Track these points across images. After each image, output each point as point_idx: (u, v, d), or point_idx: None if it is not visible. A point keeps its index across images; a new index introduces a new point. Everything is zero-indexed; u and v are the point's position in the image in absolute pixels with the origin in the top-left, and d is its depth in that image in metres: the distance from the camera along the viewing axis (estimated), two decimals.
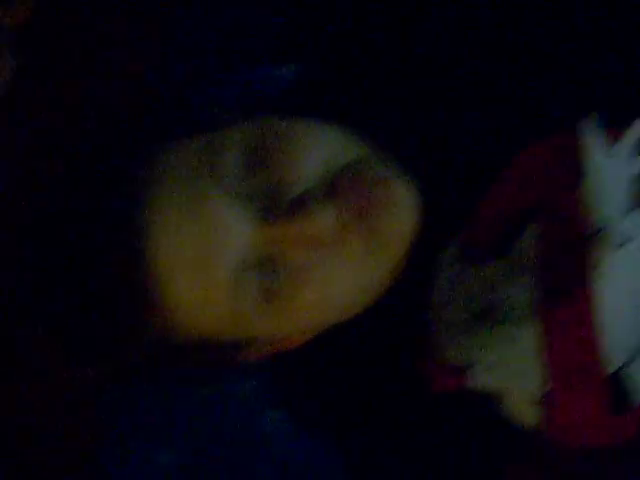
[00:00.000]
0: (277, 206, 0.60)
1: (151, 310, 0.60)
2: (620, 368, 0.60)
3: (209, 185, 0.60)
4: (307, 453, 0.76)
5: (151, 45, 0.82)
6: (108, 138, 0.66)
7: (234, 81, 0.82)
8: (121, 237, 0.59)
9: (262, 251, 0.60)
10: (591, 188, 0.61)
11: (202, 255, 0.59)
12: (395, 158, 0.65)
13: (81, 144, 0.67)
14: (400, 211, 0.62)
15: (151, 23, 0.83)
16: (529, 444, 0.66)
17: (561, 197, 0.62)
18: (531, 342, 0.58)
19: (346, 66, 0.77)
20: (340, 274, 0.62)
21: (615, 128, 0.63)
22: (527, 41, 0.68)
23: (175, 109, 0.78)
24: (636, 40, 0.67)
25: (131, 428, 0.77)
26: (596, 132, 0.63)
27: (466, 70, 0.70)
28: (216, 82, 0.83)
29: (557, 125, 0.64)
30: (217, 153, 0.61)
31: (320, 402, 0.76)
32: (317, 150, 0.62)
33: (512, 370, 0.60)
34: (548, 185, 0.63)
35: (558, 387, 0.59)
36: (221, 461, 0.76)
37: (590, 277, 0.59)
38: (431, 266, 0.66)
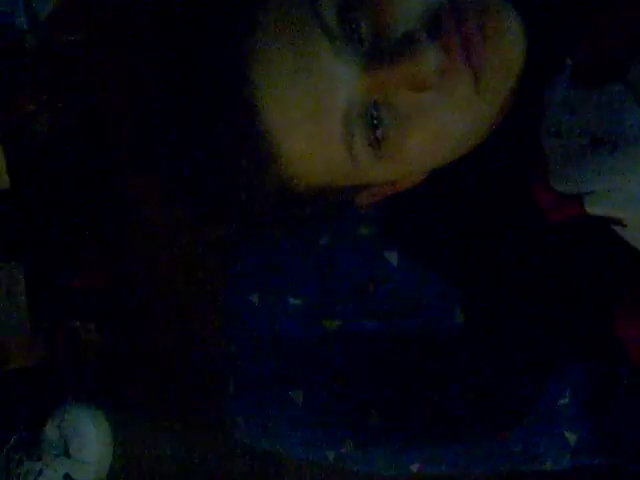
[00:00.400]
0: (381, 50, 0.60)
1: (268, 163, 0.62)
2: None
3: (312, 34, 0.59)
4: (422, 289, 0.78)
5: None
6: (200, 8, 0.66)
7: None
8: (232, 95, 0.60)
9: (369, 97, 0.60)
10: None
11: (311, 105, 0.60)
12: None
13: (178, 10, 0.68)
14: (508, 42, 0.60)
15: None
16: None
17: None
18: None
19: None
20: (448, 116, 0.61)
21: None
22: None
23: None
24: None
25: (260, 278, 0.81)
26: None
27: None
28: None
29: None
30: (317, 1, 0.60)
31: (434, 239, 0.78)
32: None
33: (630, 196, 0.59)
34: None
35: None
36: (343, 301, 0.80)
37: None
38: (544, 92, 0.65)
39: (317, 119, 0.60)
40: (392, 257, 0.78)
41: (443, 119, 0.62)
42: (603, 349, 0.73)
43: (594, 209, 0.61)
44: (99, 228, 0.98)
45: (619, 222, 0.62)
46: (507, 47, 0.60)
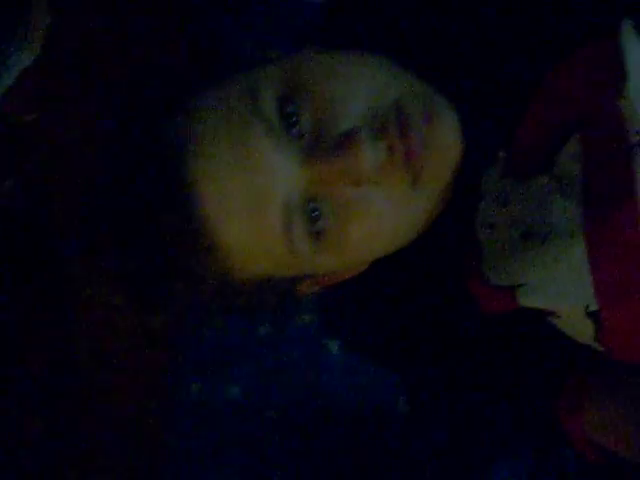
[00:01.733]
0: (321, 143, 0.60)
1: (207, 255, 0.62)
2: None
3: (251, 127, 0.60)
4: (364, 379, 0.78)
5: None
6: (147, 90, 0.67)
7: (266, 12, 0.81)
8: (172, 187, 0.60)
9: (309, 189, 0.61)
10: (633, 93, 0.59)
11: (250, 199, 0.60)
12: (432, 82, 0.65)
13: (120, 100, 0.68)
14: (447, 143, 0.61)
15: None
16: (587, 358, 0.66)
17: (601, 106, 0.60)
18: (578, 260, 0.58)
19: None
20: (386, 210, 0.62)
21: None
22: None
23: (211, 52, 0.78)
24: None
25: (200, 366, 0.80)
26: (635, 33, 0.60)
27: None
28: (249, 14, 0.82)
29: (592, 33, 0.62)
30: (257, 93, 0.61)
31: (374, 329, 0.78)
32: (359, 85, 0.62)
33: (560, 289, 0.59)
34: (587, 95, 0.61)
35: (606, 305, 0.58)
36: (283, 390, 0.79)
37: (636, 189, 0.58)
38: (476, 185, 0.66)
39: (256, 211, 0.60)
40: (333, 345, 0.78)
41: (381, 213, 0.62)
42: (548, 434, 0.73)
43: (526, 301, 0.61)
44: (41, 311, 0.96)
45: (553, 313, 0.62)
46: (446, 148, 0.61)
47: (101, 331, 0.87)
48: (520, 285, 0.61)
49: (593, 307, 0.59)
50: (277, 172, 0.60)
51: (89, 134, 0.76)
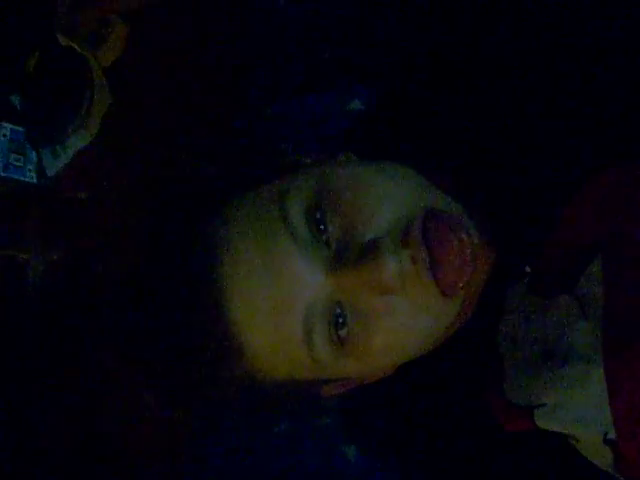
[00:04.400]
0: (347, 252, 0.61)
1: (234, 357, 0.62)
2: None
3: (279, 235, 0.61)
4: None
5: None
6: (179, 198, 0.69)
7: (302, 117, 0.84)
8: (203, 290, 0.61)
9: (333, 297, 0.61)
10: None
11: (273, 305, 0.60)
12: (462, 196, 0.65)
13: (155, 207, 0.71)
14: (473, 263, 0.61)
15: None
16: None
17: (624, 230, 0.59)
18: (596, 386, 0.57)
19: (413, 102, 0.77)
20: (411, 319, 0.62)
21: None
22: (588, 71, 0.66)
23: (251, 158, 0.80)
24: None
25: (219, 462, 0.80)
26: None
27: (531, 103, 0.68)
28: (285, 119, 0.84)
29: (623, 156, 0.62)
30: (286, 201, 0.62)
31: (393, 437, 0.77)
32: (386, 196, 0.62)
33: (578, 414, 0.58)
34: (611, 218, 0.61)
35: (624, 435, 0.56)
36: None
37: None
38: (502, 300, 0.66)
39: (278, 317, 0.61)
40: (350, 451, 0.77)
41: (407, 320, 0.62)
42: None
43: (543, 423, 0.60)
44: (71, 393, 0.98)
45: (570, 436, 0.61)
46: (472, 265, 0.61)
47: (126, 420, 0.88)
48: (538, 406, 0.60)
49: (612, 435, 0.57)
50: (301, 280, 0.60)
51: (131, 224, 0.78)
